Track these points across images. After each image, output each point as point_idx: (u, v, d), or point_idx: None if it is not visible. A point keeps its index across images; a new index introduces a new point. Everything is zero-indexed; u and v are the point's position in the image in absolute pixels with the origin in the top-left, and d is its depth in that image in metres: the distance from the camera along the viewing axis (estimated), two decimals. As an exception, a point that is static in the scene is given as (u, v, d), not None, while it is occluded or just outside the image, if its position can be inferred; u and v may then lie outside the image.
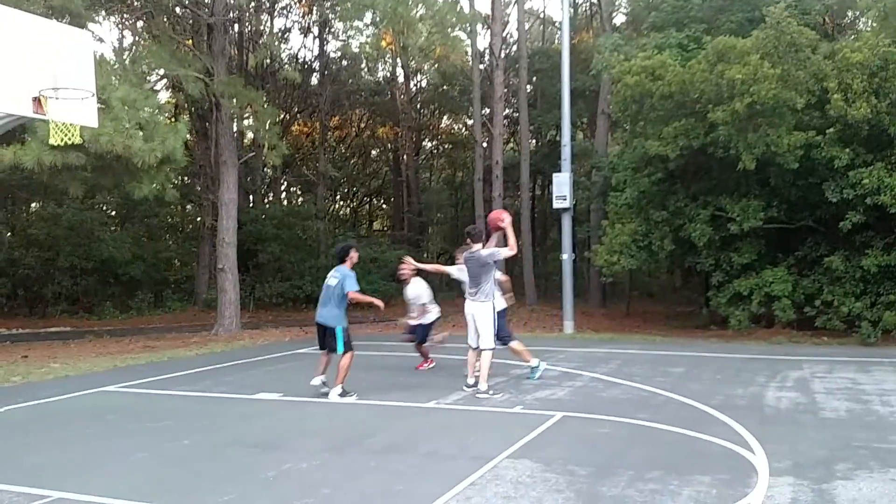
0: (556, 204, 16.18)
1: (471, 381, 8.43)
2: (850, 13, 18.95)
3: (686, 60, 13.51)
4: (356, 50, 26.49)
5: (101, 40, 21.23)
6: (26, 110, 6.81)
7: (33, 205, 24.79)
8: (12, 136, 12.69)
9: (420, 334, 10.00)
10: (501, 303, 8.90)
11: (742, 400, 7.78)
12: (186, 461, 5.59)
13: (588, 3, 29.56)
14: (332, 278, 8.03)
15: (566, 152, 16.17)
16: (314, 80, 30.43)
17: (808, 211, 13.98)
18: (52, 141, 7.22)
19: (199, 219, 26.77)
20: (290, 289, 23.05)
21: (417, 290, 9.96)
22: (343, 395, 7.83)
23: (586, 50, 23.36)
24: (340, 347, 7.83)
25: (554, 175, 16.47)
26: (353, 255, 8.16)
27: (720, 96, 12.52)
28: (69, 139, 7.11)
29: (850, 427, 6.45)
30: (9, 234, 23.67)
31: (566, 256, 16.16)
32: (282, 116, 29.26)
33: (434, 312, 10.09)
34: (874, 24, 14.29)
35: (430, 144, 38.91)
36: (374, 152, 38.01)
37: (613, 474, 5.08)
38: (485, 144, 25.18)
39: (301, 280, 23.16)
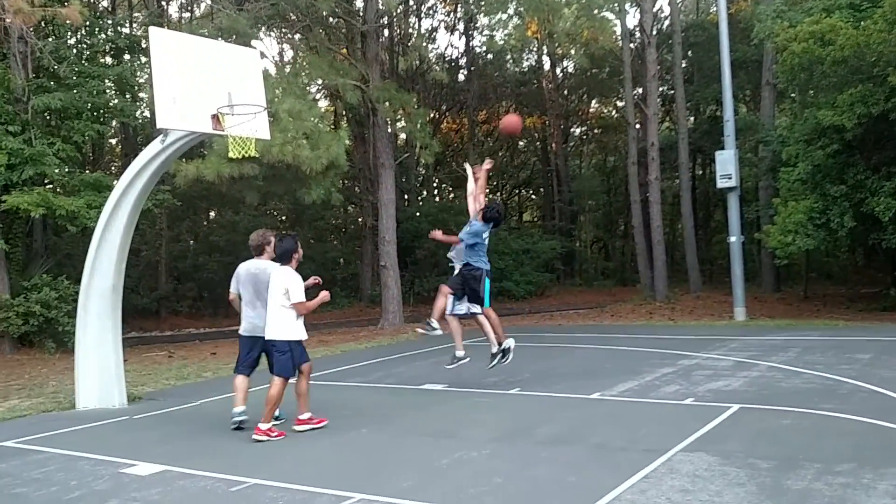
0: (721, 183, 15.42)
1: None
2: None
3: (859, 21, 12.38)
4: (501, 42, 26.71)
5: (263, 56, 22.81)
6: (206, 127, 7.47)
7: (212, 213, 27.10)
8: (193, 152, 14.00)
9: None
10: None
11: (944, 389, 7.07)
12: (366, 449, 5.92)
13: (745, -31, 27.78)
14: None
15: (729, 128, 15.37)
16: (461, 76, 30.88)
17: None
18: (231, 154, 7.86)
19: (360, 219, 28.09)
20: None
21: None
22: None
23: (745, 19, 21.94)
24: (487, 301, 7.89)
25: (716, 153, 15.73)
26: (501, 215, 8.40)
27: (903, 56, 11.37)
28: (246, 152, 7.72)
29: None
30: (192, 241, 25.98)
31: (734, 239, 15.37)
32: (432, 115, 30.00)
33: None
34: None
35: (578, 130, 38.31)
36: (521, 143, 38.00)
37: (799, 467, 4.81)
38: (638, 126, 24.41)
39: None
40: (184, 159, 13.32)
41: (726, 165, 15.04)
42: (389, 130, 18.10)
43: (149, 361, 12.42)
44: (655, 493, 4.46)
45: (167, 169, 10.43)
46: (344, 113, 25.18)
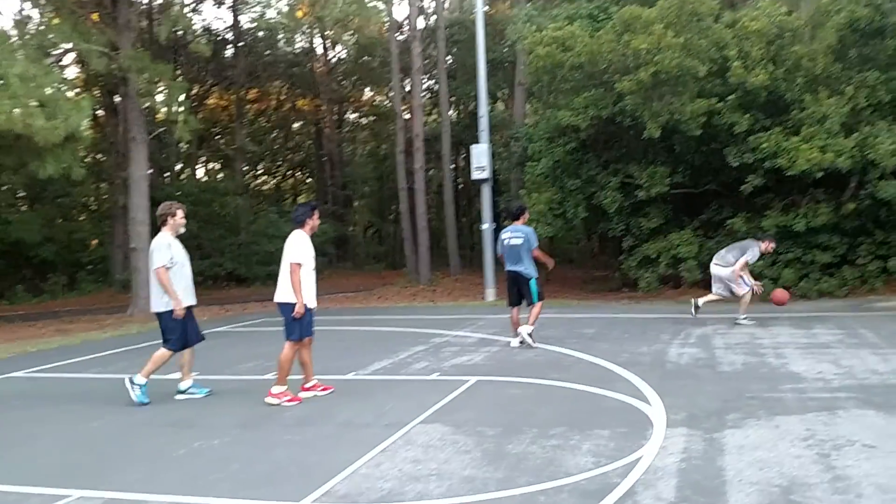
0: (475, 175, 16.40)
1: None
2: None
3: (595, 31, 13.81)
4: (272, 21, 26.02)
5: (-1, 13, 20.07)
6: None
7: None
8: None
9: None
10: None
11: (646, 357, 8.19)
12: (96, 443, 5.54)
13: (504, -27, 29.65)
14: (515, 238, 9.04)
15: (483, 123, 16.36)
16: (229, 52, 29.59)
17: (711, 176, 14.63)
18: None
19: (111, 197, 25.86)
20: (210, 267, 22.56)
21: None
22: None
23: (504, 21, 23.47)
24: (535, 298, 9.04)
25: (472, 146, 16.64)
26: (527, 214, 9.50)
27: (626, 66, 12.89)
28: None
29: (744, 379, 6.89)
30: None
31: (486, 226, 16.45)
32: (195, 90, 28.41)
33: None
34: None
35: (352, 117, 38.54)
36: (295, 125, 37.40)
37: (520, 433, 5.31)
38: (406, 116, 25.13)
39: (221, 258, 22.73)
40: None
41: (480, 158, 16.04)
42: (147, 103, 16.81)
43: None
44: (389, 465, 4.69)
45: None
46: (99, 83, 22.97)
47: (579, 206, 14.89)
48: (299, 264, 6.45)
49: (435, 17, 25.90)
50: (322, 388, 6.83)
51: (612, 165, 14.98)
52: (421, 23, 25.80)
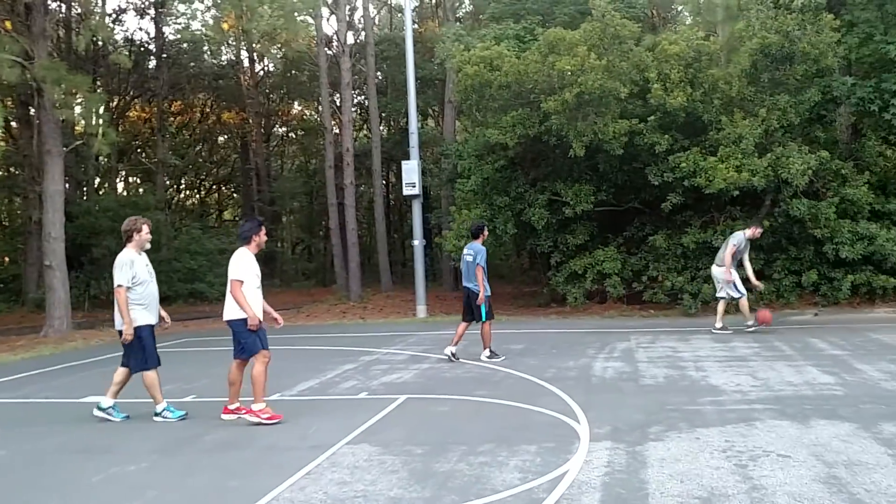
0: (406, 191, 16.40)
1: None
2: (674, 6, 20.43)
3: (522, 51, 14.06)
4: (197, 32, 25.44)
5: None
6: None
7: None
8: None
9: None
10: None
11: (573, 371, 8.32)
12: (3, 472, 5.22)
13: (434, -8, 29.97)
14: (468, 255, 9.33)
15: (413, 140, 16.41)
16: (152, 63, 28.78)
17: (633, 194, 15.04)
18: None
19: (26, 212, 24.64)
20: (130, 285, 21.71)
21: None
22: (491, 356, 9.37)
23: (433, 39, 23.68)
24: (483, 316, 9.30)
25: (403, 162, 16.65)
26: (485, 233, 9.76)
27: (552, 86, 13.16)
28: None
29: (666, 392, 7.07)
30: None
31: (417, 242, 16.46)
32: (116, 102, 27.50)
33: None
34: (692, 18, 15.53)
35: (281, 131, 38.00)
36: (221, 139, 36.59)
37: (448, 451, 5.29)
38: (336, 131, 24.96)
39: (143, 275, 21.91)
40: None
41: (411, 174, 16.05)
42: (63, 115, 16.12)
43: None
44: (314, 489, 4.58)
45: None
46: (12, 93, 21.90)
47: (508, 223, 15.05)
48: (241, 281, 6.33)
49: (364, 33, 25.88)
50: (246, 411, 6.57)
51: (540, 183, 15.22)
52: (350, 38, 25.77)
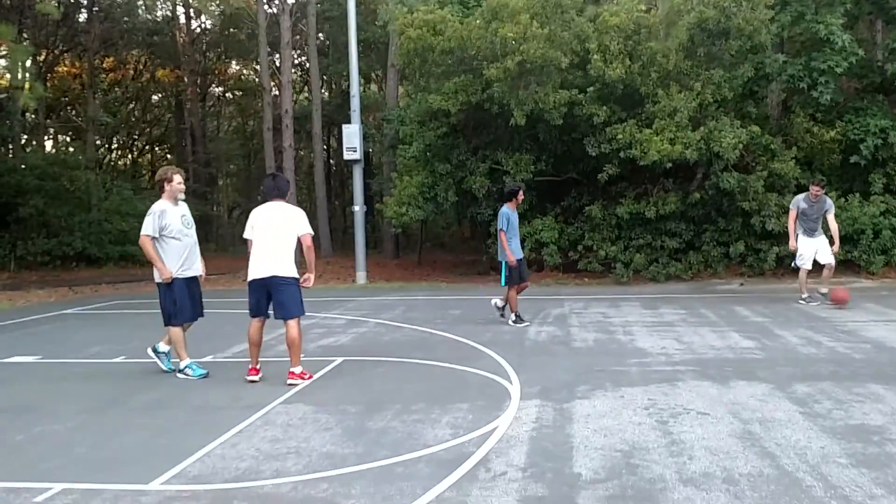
0: (347, 156, 16.21)
1: None
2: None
3: (466, 17, 13.98)
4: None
5: None
6: None
7: None
8: None
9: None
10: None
11: (508, 336, 8.48)
12: (-83, 434, 5.05)
13: (379, -47, 29.37)
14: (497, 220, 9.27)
15: (355, 103, 16.18)
16: (83, 16, 27.50)
17: (572, 164, 15.25)
18: None
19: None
20: (57, 246, 20.95)
21: None
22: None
23: (377, 0, 23.28)
24: (502, 281, 9.34)
25: (344, 126, 16.44)
26: (520, 197, 9.43)
27: (494, 54, 13.14)
28: None
29: (595, 355, 7.30)
30: None
31: (357, 208, 16.33)
32: (44, 55, 26.23)
33: None
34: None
35: (217, 90, 36.96)
36: (155, 98, 35.37)
37: (382, 409, 5.36)
38: (275, 92, 24.42)
39: (71, 236, 21.14)
40: None
41: (352, 139, 15.86)
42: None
43: None
44: (246, 446, 4.60)
45: None
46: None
47: (450, 191, 15.09)
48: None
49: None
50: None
51: (481, 151, 15.27)
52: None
